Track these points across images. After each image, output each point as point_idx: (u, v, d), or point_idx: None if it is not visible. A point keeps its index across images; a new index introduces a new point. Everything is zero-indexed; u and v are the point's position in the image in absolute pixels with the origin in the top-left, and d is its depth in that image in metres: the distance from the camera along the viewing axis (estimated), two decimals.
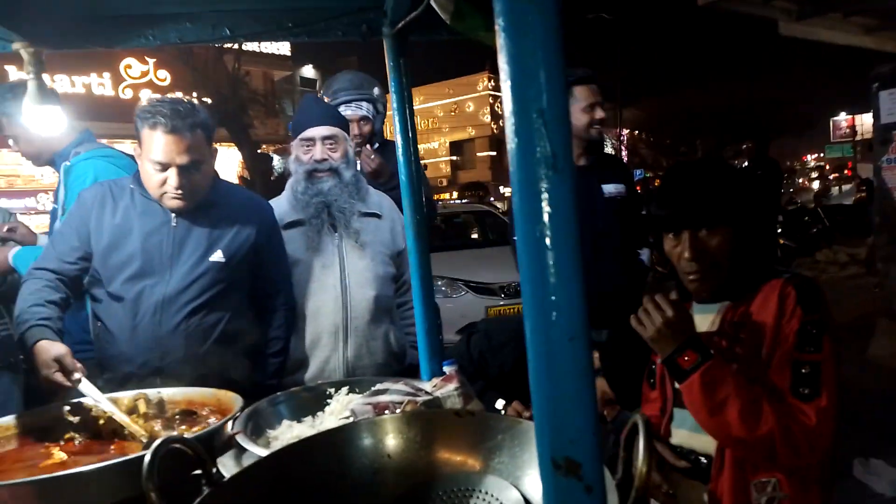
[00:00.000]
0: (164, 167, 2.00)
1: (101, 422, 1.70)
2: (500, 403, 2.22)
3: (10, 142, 2.71)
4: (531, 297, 0.61)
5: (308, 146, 2.44)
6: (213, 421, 1.72)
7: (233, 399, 1.78)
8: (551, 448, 0.60)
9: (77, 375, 1.77)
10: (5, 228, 2.82)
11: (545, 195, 0.60)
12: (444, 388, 1.62)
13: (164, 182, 2.02)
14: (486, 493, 1.04)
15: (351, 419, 1.54)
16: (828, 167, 41.73)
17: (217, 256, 2.13)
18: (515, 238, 0.63)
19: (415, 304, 1.94)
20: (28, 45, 1.77)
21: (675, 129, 33.56)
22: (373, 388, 1.66)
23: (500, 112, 42.17)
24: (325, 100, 3.10)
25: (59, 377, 1.76)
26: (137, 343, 2.07)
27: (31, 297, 1.95)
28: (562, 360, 0.60)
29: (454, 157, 42.15)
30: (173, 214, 2.10)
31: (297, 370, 2.40)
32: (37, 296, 1.95)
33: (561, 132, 0.60)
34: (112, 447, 1.67)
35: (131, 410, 1.78)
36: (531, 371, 0.62)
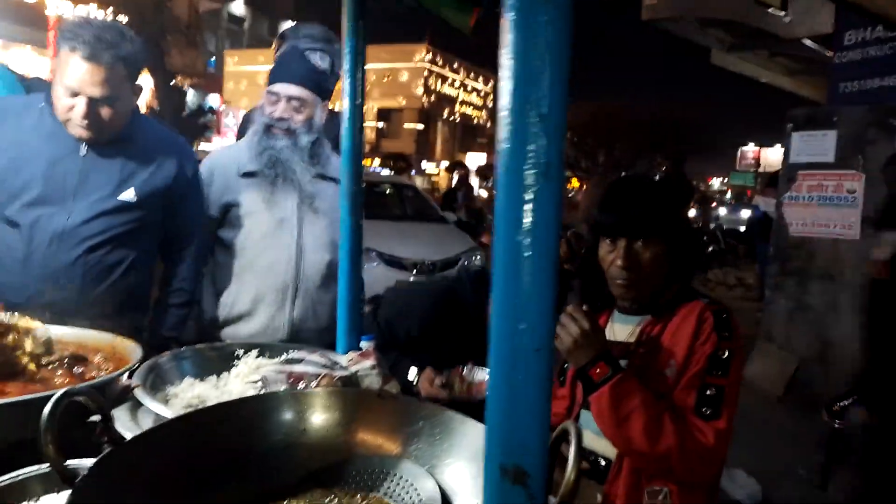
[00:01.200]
0: (75, 94, 1.86)
1: None
2: (412, 373, 2.22)
3: None
4: (501, 304, 0.60)
5: (274, 100, 2.33)
6: (105, 370, 1.62)
7: (130, 348, 1.68)
8: (501, 454, 0.60)
9: None
10: None
11: (532, 203, 0.58)
12: (360, 363, 1.59)
13: (71, 108, 1.88)
14: (402, 477, 1.03)
15: (260, 384, 1.49)
16: (729, 192, 44.50)
17: (128, 195, 2.00)
18: (494, 240, 0.61)
19: (339, 276, 1.90)
20: None
21: (598, 133, 34.64)
22: (286, 356, 1.61)
23: (432, 88, 41.90)
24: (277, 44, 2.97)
25: None
26: (28, 273, 1.92)
27: None
28: (525, 369, 0.59)
29: (380, 125, 41.60)
30: (83, 144, 1.94)
31: (237, 321, 2.33)
32: None
33: (559, 140, 0.58)
34: None
35: (17, 345, 1.64)
36: (492, 375, 0.61)
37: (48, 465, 1.13)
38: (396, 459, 1.06)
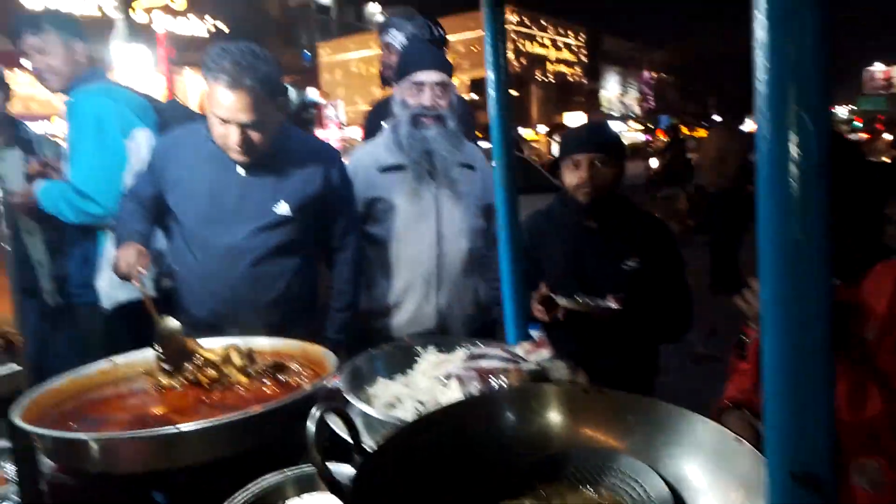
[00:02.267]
0: (226, 122, 1.98)
1: (200, 374, 1.74)
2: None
3: (35, 75, 2.68)
4: (778, 305, 0.60)
5: (418, 90, 2.39)
6: (305, 376, 1.77)
7: (322, 353, 1.82)
8: (791, 460, 0.61)
9: (140, 269, 1.91)
10: (36, 166, 2.82)
11: (801, 202, 0.58)
12: (537, 354, 1.64)
13: (225, 136, 2.01)
14: (624, 472, 1.06)
15: (451, 382, 1.57)
16: (858, 121, 40.71)
17: (283, 209, 2.13)
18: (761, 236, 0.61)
19: (501, 262, 1.92)
20: None
21: (704, 75, 32.63)
22: (470, 352, 1.68)
23: (522, 49, 41.02)
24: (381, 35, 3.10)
25: (131, 265, 1.92)
26: (206, 289, 2.12)
27: (129, 215, 2.15)
28: (810, 370, 0.60)
29: (474, 96, 41.39)
30: (239, 164, 2.10)
31: (388, 314, 2.47)
32: (134, 215, 2.14)
33: (825, 135, 0.57)
34: (210, 396, 1.72)
35: (225, 360, 1.82)
36: (771, 377, 0.61)
37: (294, 469, 1.28)
38: (614, 454, 1.09)
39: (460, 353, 1.79)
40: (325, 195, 2.21)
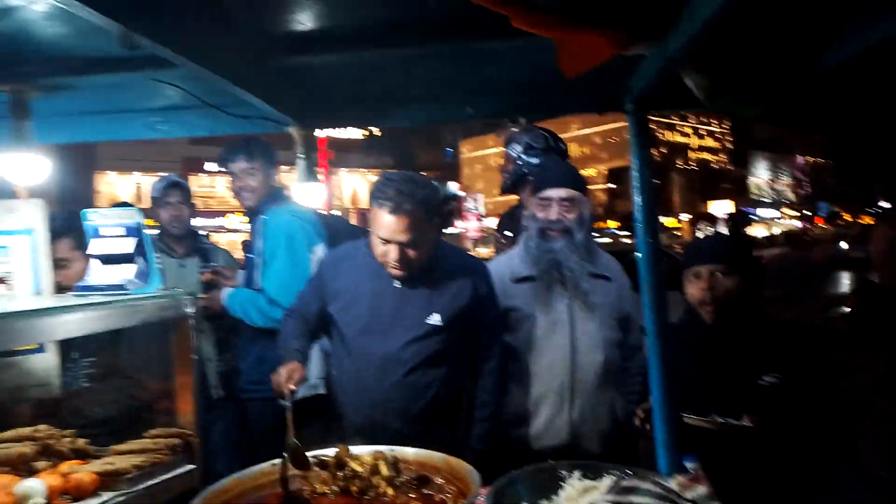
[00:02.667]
0: (387, 242, 2.13)
1: (353, 485, 1.80)
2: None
3: (234, 191, 3.01)
4: None
5: (545, 205, 2.48)
6: (449, 493, 1.78)
7: (467, 471, 1.81)
8: None
9: (292, 387, 1.97)
10: (210, 272, 3.15)
11: None
12: (693, 490, 1.54)
13: (385, 254, 2.16)
14: None
15: None
16: None
17: (434, 319, 2.21)
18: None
19: (651, 380, 1.86)
20: (300, 127, 1.96)
21: (867, 159, 30.28)
22: (618, 483, 1.61)
23: (661, 138, 40.59)
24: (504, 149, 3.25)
25: (283, 378, 2.00)
26: (364, 397, 2.21)
27: (291, 330, 2.27)
28: None
29: (612, 185, 41.17)
30: (396, 277, 2.22)
31: (521, 425, 2.44)
32: (295, 330, 2.27)
33: None
34: None
35: (373, 471, 1.88)
36: None
37: None
38: None
39: (607, 482, 1.72)
40: (473, 307, 2.29)
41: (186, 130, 2.15)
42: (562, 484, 1.74)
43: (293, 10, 1.57)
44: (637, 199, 1.85)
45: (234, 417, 3.23)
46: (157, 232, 3.34)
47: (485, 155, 37.40)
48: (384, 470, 1.87)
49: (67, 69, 1.67)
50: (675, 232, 35.31)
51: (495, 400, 2.37)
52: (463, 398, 2.40)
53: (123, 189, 16.23)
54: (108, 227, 1.74)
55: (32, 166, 1.69)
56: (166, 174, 3.28)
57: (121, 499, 1.45)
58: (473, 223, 21.03)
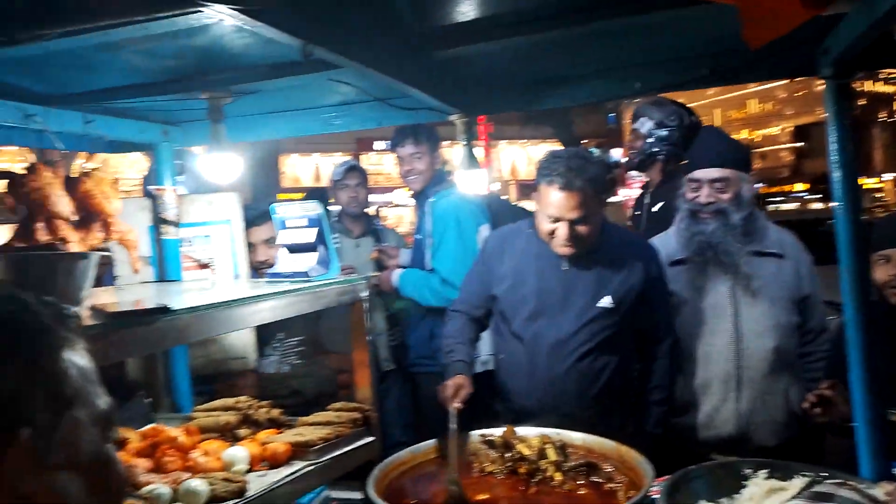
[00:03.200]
0: (556, 220, 2.09)
1: (521, 467, 1.82)
2: None
3: (402, 175, 3.12)
4: None
5: (695, 187, 2.33)
6: (619, 483, 1.74)
7: (639, 462, 1.76)
8: None
9: (456, 405, 1.99)
10: (376, 251, 3.29)
11: None
12: None
13: (554, 232, 2.11)
14: None
15: None
16: None
17: (605, 302, 2.15)
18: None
19: (851, 369, 1.64)
20: (462, 115, 1.97)
21: None
22: (813, 489, 1.48)
23: (859, 89, 35.81)
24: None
25: (449, 394, 2.02)
26: (534, 381, 2.19)
27: (455, 333, 2.26)
28: None
29: (799, 144, 37.18)
30: (564, 260, 2.18)
31: (684, 413, 2.34)
32: (460, 335, 2.25)
33: None
34: (527, 489, 1.79)
35: (540, 454, 1.89)
36: None
37: None
38: None
39: (797, 484, 1.59)
40: (644, 288, 2.21)
41: (358, 123, 2.26)
42: (744, 483, 1.64)
43: (455, 1, 1.57)
44: (835, 174, 1.64)
45: (405, 389, 3.40)
46: (335, 213, 3.59)
47: None
48: (552, 454, 1.87)
49: (254, 75, 1.82)
50: (875, 194, 31.26)
51: (669, 383, 2.29)
52: (633, 383, 2.34)
53: (304, 170, 17.57)
54: (293, 219, 1.89)
55: (228, 164, 1.88)
56: (346, 158, 3.50)
57: (309, 468, 1.59)
58: (637, 191, 20.08)
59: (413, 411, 3.36)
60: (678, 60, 1.90)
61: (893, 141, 37.69)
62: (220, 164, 1.88)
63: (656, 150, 3.05)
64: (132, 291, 1.92)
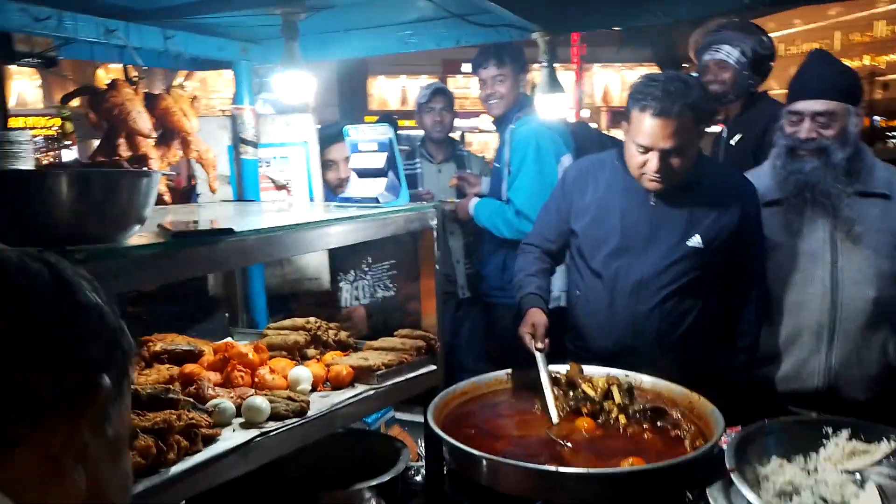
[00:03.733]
0: (647, 150, 1.94)
1: (584, 406, 1.79)
2: None
3: (482, 99, 2.99)
4: None
5: (795, 121, 2.10)
6: (686, 430, 1.68)
7: (709, 411, 1.68)
8: None
9: (540, 345, 1.92)
10: (456, 178, 3.21)
11: None
12: None
13: (644, 164, 1.97)
14: None
15: (869, 487, 1.30)
16: None
17: (695, 241, 2.02)
18: None
19: None
20: (544, 33, 1.84)
21: None
22: (887, 444, 1.36)
23: None
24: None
25: (528, 339, 1.94)
26: (613, 321, 2.11)
27: (527, 266, 2.18)
28: None
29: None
30: (652, 195, 2.05)
31: (767, 364, 2.21)
32: (531, 267, 2.17)
33: None
34: (590, 429, 1.76)
35: (606, 395, 1.84)
36: None
37: None
38: None
39: (884, 448, 1.47)
40: (739, 231, 2.06)
41: (435, 42, 2.15)
42: (823, 442, 1.54)
43: None
44: None
45: (480, 318, 3.41)
46: (419, 138, 3.53)
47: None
48: (617, 396, 1.82)
49: None
50: None
51: (757, 330, 2.17)
52: (718, 328, 2.22)
53: (391, 92, 17.49)
54: (364, 142, 1.85)
55: (302, 84, 1.84)
56: (432, 80, 3.42)
57: (370, 392, 1.61)
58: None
59: (486, 340, 3.38)
60: None
61: None
62: (294, 83, 1.85)
63: (751, 81, 2.77)
64: (209, 210, 1.97)
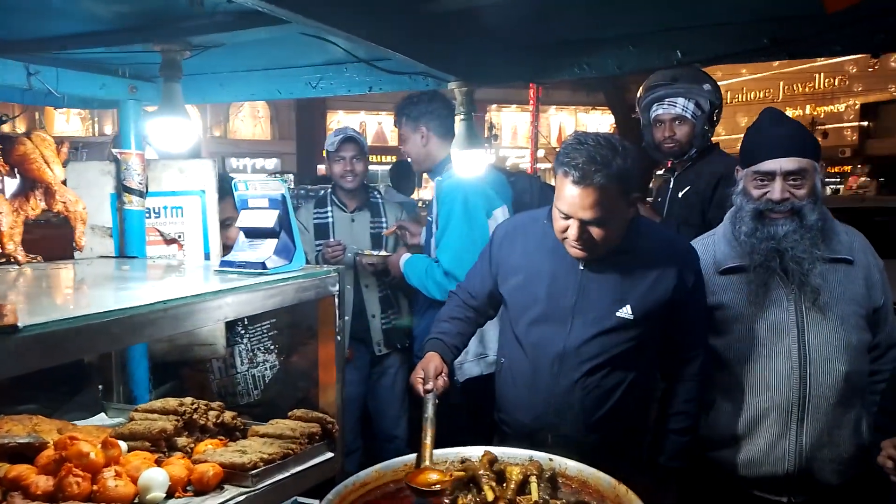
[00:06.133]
0: (567, 217, 1.78)
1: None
2: None
3: (403, 147, 2.81)
4: None
5: (763, 181, 1.95)
6: None
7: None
8: None
9: (429, 386, 1.81)
10: (395, 227, 3.03)
11: None
12: None
13: (565, 229, 1.81)
14: None
15: None
16: None
17: (625, 312, 1.85)
18: None
19: None
20: (461, 83, 1.67)
21: None
22: None
23: None
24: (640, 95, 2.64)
25: (419, 384, 1.83)
26: (534, 395, 1.92)
27: (443, 313, 2.08)
28: None
29: (864, 123, 35.12)
30: (580, 261, 1.87)
31: (730, 445, 2.04)
32: (445, 313, 2.07)
33: None
34: None
35: (521, 487, 1.62)
36: None
37: None
38: None
39: None
40: (675, 300, 1.89)
41: (346, 88, 1.99)
42: None
43: None
44: None
45: (400, 375, 3.20)
46: (330, 186, 3.33)
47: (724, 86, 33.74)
48: (535, 492, 1.60)
49: (214, 26, 1.55)
50: None
51: (696, 411, 2.00)
52: (653, 408, 2.04)
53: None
54: (254, 199, 1.63)
55: (181, 129, 1.62)
56: (343, 127, 3.22)
57: (241, 498, 1.36)
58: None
59: (405, 398, 3.18)
60: (730, 27, 1.55)
61: None
62: (172, 128, 1.62)
63: (709, 134, 2.63)
64: (64, 273, 1.71)
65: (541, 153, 15.99)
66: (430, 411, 1.74)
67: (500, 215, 2.61)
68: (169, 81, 1.60)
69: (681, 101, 2.52)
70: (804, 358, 1.94)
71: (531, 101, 15.41)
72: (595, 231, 1.78)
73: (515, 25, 1.58)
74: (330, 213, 3.17)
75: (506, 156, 23.81)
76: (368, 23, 1.37)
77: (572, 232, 1.79)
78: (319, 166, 17.49)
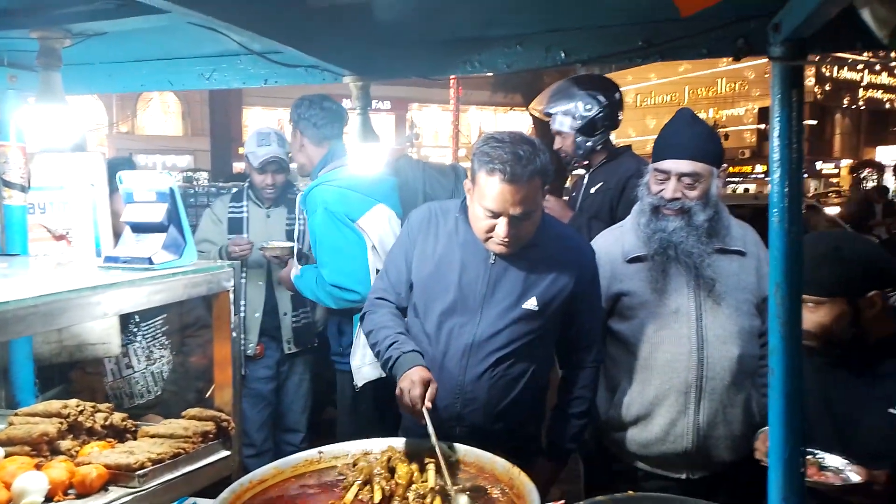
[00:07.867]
0: (496, 215, 1.82)
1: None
2: None
3: (290, 151, 2.79)
4: None
5: (661, 179, 2.09)
6: None
7: (528, 490, 1.55)
8: None
9: (428, 405, 1.73)
10: (273, 254, 2.92)
11: None
12: None
13: (491, 228, 1.84)
14: None
15: None
16: None
17: (531, 304, 1.91)
18: None
19: (772, 366, 1.35)
20: (357, 78, 1.68)
21: None
22: None
23: (827, 75, 36.17)
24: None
25: (417, 403, 1.74)
26: (443, 384, 1.93)
27: (387, 322, 1.96)
28: None
29: (762, 126, 37.46)
30: (492, 253, 1.92)
31: (633, 425, 2.16)
32: (392, 322, 1.96)
33: None
34: None
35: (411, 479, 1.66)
36: None
37: None
38: None
39: None
40: (575, 292, 1.97)
41: (240, 80, 1.95)
42: None
43: None
44: (774, 174, 1.39)
45: (307, 375, 3.19)
46: (246, 182, 3.26)
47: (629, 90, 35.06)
48: (431, 478, 1.64)
49: (100, 13, 1.49)
50: (832, 179, 31.82)
51: (592, 396, 2.10)
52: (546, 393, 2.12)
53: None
54: (141, 192, 1.58)
55: (61, 120, 1.55)
56: (266, 132, 3.13)
57: (127, 499, 1.33)
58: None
59: (314, 397, 3.17)
60: (610, 28, 1.63)
61: (854, 128, 38.31)
62: (52, 119, 1.55)
63: (589, 144, 2.78)
64: None
65: (462, 152, 16.18)
66: (433, 430, 1.69)
67: (381, 211, 2.53)
68: (47, 70, 1.53)
69: (558, 117, 2.75)
70: (701, 341, 2.08)
71: (452, 101, 15.56)
72: (523, 225, 1.83)
73: (408, 21, 1.61)
74: (245, 208, 3.10)
75: (427, 154, 23.92)
76: (257, 14, 1.36)
77: (502, 229, 1.82)
78: (235, 164, 16.89)
